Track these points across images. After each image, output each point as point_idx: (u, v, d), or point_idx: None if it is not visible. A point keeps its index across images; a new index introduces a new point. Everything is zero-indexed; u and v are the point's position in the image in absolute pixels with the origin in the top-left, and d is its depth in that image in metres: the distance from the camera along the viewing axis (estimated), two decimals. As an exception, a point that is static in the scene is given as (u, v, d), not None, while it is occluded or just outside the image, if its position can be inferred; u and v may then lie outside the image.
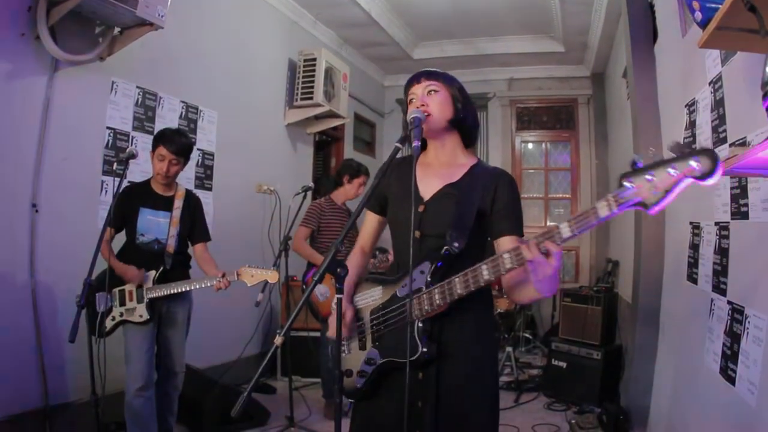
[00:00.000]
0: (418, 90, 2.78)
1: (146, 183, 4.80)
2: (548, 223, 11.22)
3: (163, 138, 4.62)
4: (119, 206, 4.45)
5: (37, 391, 4.79)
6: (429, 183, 2.74)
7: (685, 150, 1.81)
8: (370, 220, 3.07)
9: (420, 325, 2.54)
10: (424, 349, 2.51)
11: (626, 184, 1.93)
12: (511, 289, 2.54)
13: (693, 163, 1.77)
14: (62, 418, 4.91)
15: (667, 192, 1.84)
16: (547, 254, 2.15)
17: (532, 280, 2.23)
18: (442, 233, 2.57)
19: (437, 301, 2.48)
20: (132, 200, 4.61)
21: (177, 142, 4.63)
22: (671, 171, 1.82)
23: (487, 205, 2.66)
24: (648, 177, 1.88)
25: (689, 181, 1.80)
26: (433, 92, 2.76)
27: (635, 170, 1.92)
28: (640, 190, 1.89)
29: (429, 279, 2.53)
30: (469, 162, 2.83)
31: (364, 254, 3.12)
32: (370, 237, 3.10)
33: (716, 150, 3.71)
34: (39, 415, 4.78)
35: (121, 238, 4.69)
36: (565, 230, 2.10)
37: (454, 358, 2.60)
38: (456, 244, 2.53)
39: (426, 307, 2.52)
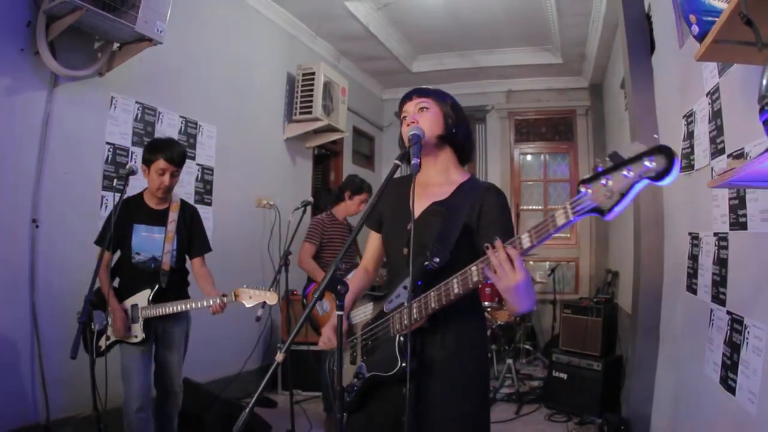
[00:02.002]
0: (410, 107, 2.83)
1: (139, 197, 4.67)
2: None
3: (159, 150, 4.48)
4: (115, 224, 4.35)
5: (38, 406, 4.80)
6: (419, 202, 2.74)
7: (642, 150, 1.75)
8: (372, 239, 3.11)
9: (401, 339, 2.56)
10: (403, 364, 2.52)
11: (582, 189, 1.89)
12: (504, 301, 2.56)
13: (647, 163, 1.71)
14: (64, 433, 4.91)
15: (623, 195, 1.79)
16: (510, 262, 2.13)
17: (499, 289, 2.20)
18: (426, 250, 2.58)
19: (414, 316, 2.50)
20: (125, 216, 4.47)
21: (175, 151, 4.51)
22: (626, 173, 1.77)
23: (474, 220, 2.66)
24: (603, 181, 1.83)
25: (645, 182, 1.74)
26: (424, 109, 2.80)
27: (593, 176, 1.87)
28: (596, 195, 1.85)
29: (411, 295, 2.53)
30: (461, 179, 2.85)
31: (366, 273, 3.16)
32: (373, 256, 3.14)
33: (715, 160, 3.75)
34: (40, 430, 4.77)
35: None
36: (525, 240, 2.10)
37: (434, 373, 2.62)
38: (436, 259, 2.54)
39: (405, 322, 2.54)
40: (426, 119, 2.77)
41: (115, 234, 4.37)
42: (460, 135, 2.87)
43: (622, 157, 1.80)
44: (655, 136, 1.73)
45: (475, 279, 2.27)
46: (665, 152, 1.68)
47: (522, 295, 2.18)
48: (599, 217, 1.89)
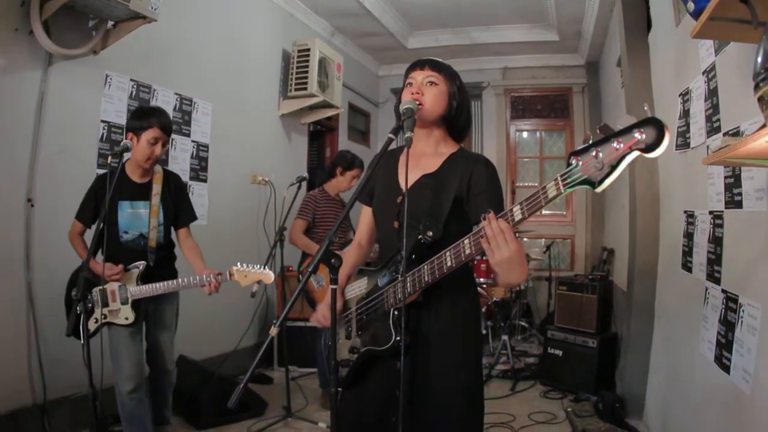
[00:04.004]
0: (418, 77, 2.77)
1: (121, 171, 4.41)
2: (543, 212, 11.25)
3: (152, 115, 4.40)
4: (93, 200, 4.32)
5: (34, 387, 4.81)
6: (409, 174, 2.70)
7: (633, 122, 1.74)
8: (365, 214, 3.09)
9: (395, 313, 2.56)
10: (398, 338, 2.53)
11: (573, 161, 1.89)
12: (494, 273, 2.53)
13: (637, 135, 1.71)
14: (60, 413, 4.93)
15: (613, 168, 1.79)
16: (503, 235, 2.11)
17: (490, 262, 2.18)
18: (418, 223, 2.55)
19: (408, 289, 2.49)
20: (107, 191, 4.13)
21: (164, 118, 4.46)
22: (616, 145, 1.76)
23: (464, 191, 2.65)
24: (593, 153, 1.82)
25: (635, 154, 1.74)
26: (431, 84, 2.75)
27: (583, 147, 1.87)
28: (586, 166, 1.84)
29: (403, 269, 2.51)
30: (450, 150, 2.83)
31: (360, 248, 3.15)
32: (366, 230, 3.12)
33: (711, 139, 3.75)
34: (37, 410, 4.79)
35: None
36: (517, 213, 2.09)
37: (429, 347, 2.62)
38: (430, 233, 2.52)
39: (399, 296, 2.54)
40: (431, 94, 2.72)
41: (99, 211, 4.31)
42: (461, 119, 2.86)
43: (612, 129, 1.80)
44: (645, 107, 1.65)
45: (468, 252, 2.26)
46: (655, 124, 1.69)
47: (514, 267, 2.16)
48: (591, 190, 1.88)
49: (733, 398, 3.26)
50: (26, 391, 4.76)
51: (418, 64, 2.82)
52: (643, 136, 1.70)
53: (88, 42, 5.10)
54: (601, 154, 1.80)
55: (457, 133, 2.92)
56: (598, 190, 1.86)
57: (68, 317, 4.18)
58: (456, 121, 2.84)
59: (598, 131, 1.84)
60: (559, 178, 1.93)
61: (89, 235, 4.38)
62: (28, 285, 4.81)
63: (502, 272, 2.20)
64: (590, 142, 1.85)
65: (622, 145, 1.75)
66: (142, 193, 4.48)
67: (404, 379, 2.45)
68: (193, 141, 6.66)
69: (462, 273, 2.47)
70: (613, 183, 1.80)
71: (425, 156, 2.81)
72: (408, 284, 2.49)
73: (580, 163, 1.86)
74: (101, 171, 5.25)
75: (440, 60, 2.86)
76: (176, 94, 6.39)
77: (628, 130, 1.74)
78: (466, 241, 2.26)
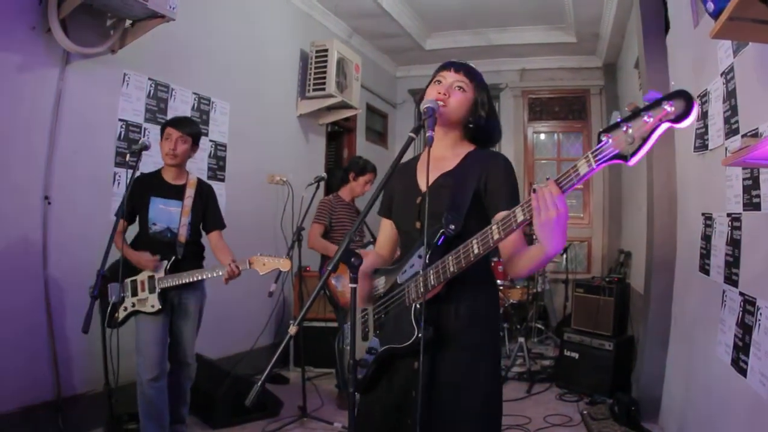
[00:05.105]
0: (449, 78, 2.75)
1: (157, 173, 4.76)
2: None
3: (170, 121, 4.72)
4: (130, 197, 4.42)
5: (49, 383, 4.82)
6: (425, 175, 2.68)
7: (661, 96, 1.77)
8: (385, 226, 3.08)
9: (417, 307, 2.53)
10: (419, 334, 2.49)
11: (603, 139, 1.90)
12: (510, 262, 2.47)
13: (667, 107, 1.73)
14: (75, 410, 4.94)
15: (645, 140, 1.80)
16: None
17: (534, 225, 2.10)
18: (439, 222, 2.53)
19: (432, 282, 2.46)
20: (142, 190, 4.57)
21: (184, 123, 4.69)
22: (646, 118, 1.78)
23: (482, 187, 2.63)
24: (624, 129, 1.83)
25: (666, 125, 1.76)
26: (460, 89, 2.73)
27: (612, 125, 1.87)
28: (617, 142, 1.85)
29: (427, 262, 2.49)
30: (466, 150, 2.81)
31: (380, 256, 3.10)
32: (386, 243, 3.10)
33: (729, 140, 3.73)
34: (51, 407, 4.80)
35: (133, 228, 4.68)
36: (554, 190, 2.06)
37: (448, 346, 2.59)
38: (452, 227, 2.50)
39: (421, 289, 2.50)
40: (456, 99, 2.71)
41: (132, 206, 4.51)
42: (488, 127, 2.83)
43: (639, 107, 1.81)
44: (672, 83, 1.71)
45: (496, 237, 2.22)
46: (684, 95, 1.73)
47: (554, 233, 2.08)
48: (622, 165, 1.88)
49: (749, 402, 3.24)
50: (41, 388, 4.77)
51: (453, 66, 2.79)
52: (672, 108, 1.73)
53: (106, 41, 5.13)
54: (631, 129, 1.82)
55: (479, 141, 2.88)
56: (631, 163, 1.86)
57: (100, 313, 4.31)
58: (481, 131, 2.82)
59: (626, 109, 1.85)
60: (590, 155, 1.93)
61: (130, 232, 4.66)
62: (45, 282, 4.82)
63: (543, 237, 2.12)
64: (618, 120, 1.86)
65: (652, 119, 1.77)
66: (174, 193, 4.71)
67: (422, 378, 2.42)
68: (210, 140, 6.68)
69: (483, 268, 2.45)
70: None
71: (440, 158, 2.78)
72: (431, 276, 2.47)
73: (610, 139, 1.87)
74: (119, 169, 5.35)
75: (473, 66, 2.84)
76: (194, 93, 6.40)
77: (657, 103, 1.77)
78: (494, 227, 2.23)
